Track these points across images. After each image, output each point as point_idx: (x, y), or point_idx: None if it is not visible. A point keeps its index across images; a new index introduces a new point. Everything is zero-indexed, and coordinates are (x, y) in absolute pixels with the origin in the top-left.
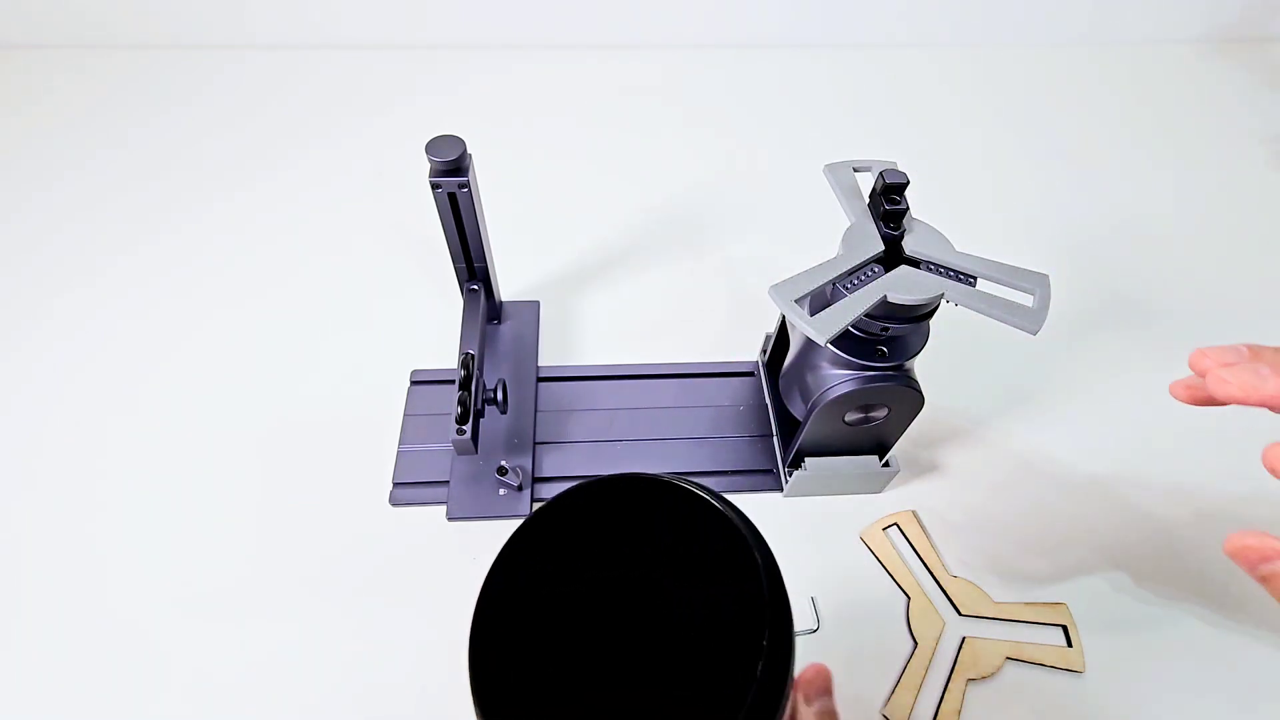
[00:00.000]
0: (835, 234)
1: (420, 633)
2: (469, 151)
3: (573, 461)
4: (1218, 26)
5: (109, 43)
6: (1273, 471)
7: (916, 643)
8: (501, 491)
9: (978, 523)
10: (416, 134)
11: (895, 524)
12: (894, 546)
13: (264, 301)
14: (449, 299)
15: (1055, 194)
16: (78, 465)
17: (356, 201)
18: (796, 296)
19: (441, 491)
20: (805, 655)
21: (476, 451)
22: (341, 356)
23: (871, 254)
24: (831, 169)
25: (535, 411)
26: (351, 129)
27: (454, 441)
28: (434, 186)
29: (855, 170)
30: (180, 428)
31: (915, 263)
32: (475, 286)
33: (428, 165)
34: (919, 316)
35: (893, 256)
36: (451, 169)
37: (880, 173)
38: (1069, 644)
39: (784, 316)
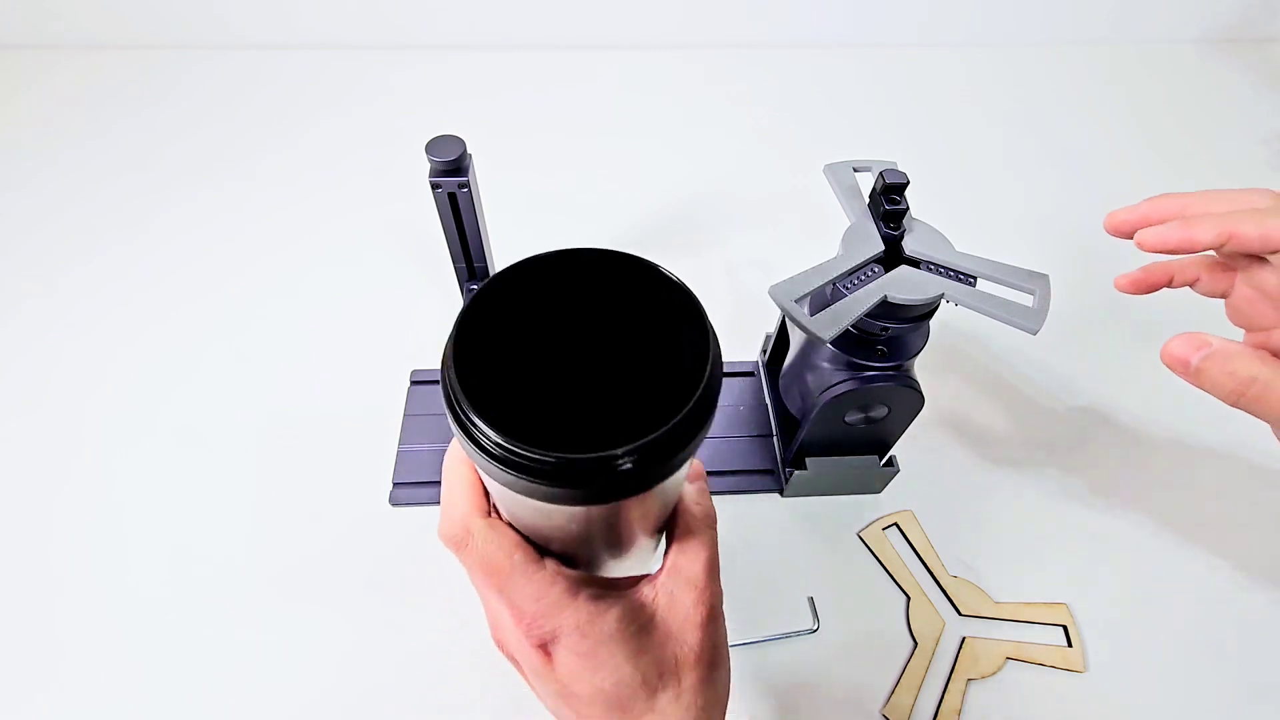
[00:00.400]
0: (835, 234)
1: (420, 632)
2: (469, 151)
3: None
4: (1218, 26)
5: (114, 43)
6: (1170, 366)
7: (916, 643)
8: None
9: (978, 523)
10: (417, 134)
11: (895, 524)
12: (894, 546)
13: (264, 301)
14: (449, 299)
15: (1054, 193)
16: (75, 466)
17: (356, 201)
18: (796, 296)
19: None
20: (804, 655)
21: None
22: (341, 356)
23: (871, 254)
24: (831, 169)
25: None
26: (352, 129)
27: None
28: (434, 186)
29: (855, 170)
30: (180, 428)
31: (915, 263)
32: (475, 286)
33: (428, 165)
34: (919, 316)
35: (893, 256)
36: (451, 169)
37: (880, 173)
38: (1069, 644)
39: (784, 316)
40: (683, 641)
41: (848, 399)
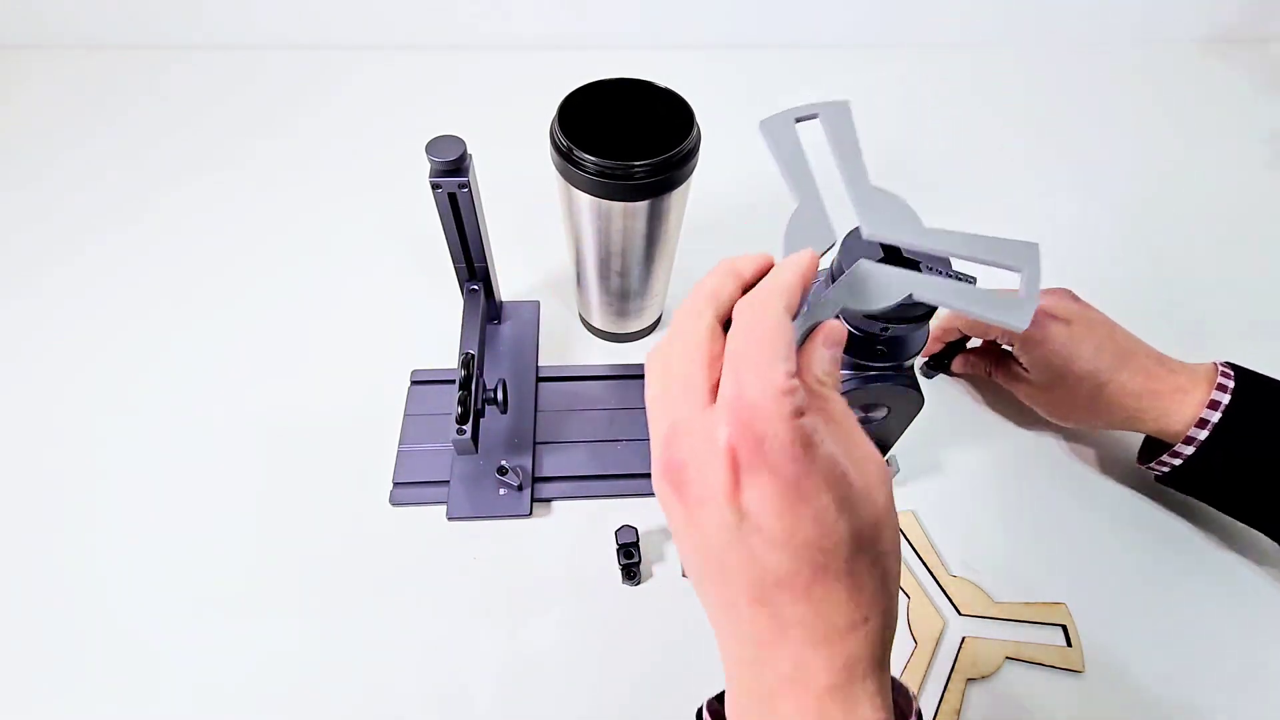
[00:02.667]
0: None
1: (421, 632)
2: (469, 152)
3: (573, 461)
4: (1218, 26)
5: (116, 43)
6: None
7: (916, 643)
8: (501, 491)
9: (977, 523)
10: (418, 134)
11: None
12: None
13: (264, 302)
14: (449, 299)
15: (1054, 193)
16: (78, 468)
17: (357, 201)
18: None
19: (441, 491)
20: None
21: (476, 451)
22: (341, 356)
23: (824, 248)
24: (767, 125)
25: (535, 411)
26: (353, 129)
27: (454, 441)
28: (434, 187)
29: (798, 121)
30: (180, 428)
31: (916, 265)
32: (475, 286)
33: (428, 165)
34: (918, 317)
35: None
36: (451, 169)
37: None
38: (1068, 643)
39: None
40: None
41: (847, 399)
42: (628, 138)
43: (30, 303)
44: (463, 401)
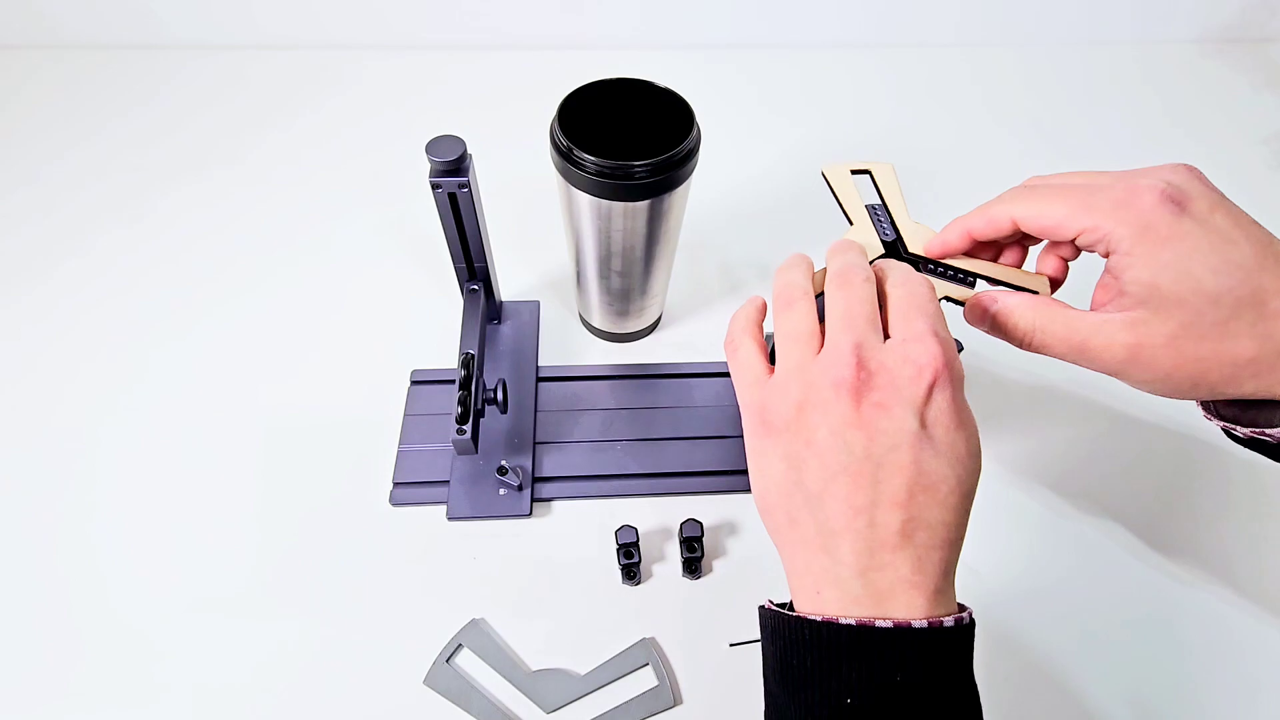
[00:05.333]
0: (834, 234)
1: (421, 632)
2: (469, 152)
3: (573, 461)
4: (1218, 26)
5: (115, 43)
6: (972, 324)
7: None
8: (501, 491)
9: (975, 516)
10: (417, 134)
11: (869, 171)
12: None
13: (264, 301)
14: (449, 299)
15: None
16: (76, 468)
17: (357, 201)
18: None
19: (441, 491)
20: None
21: (476, 451)
22: (341, 356)
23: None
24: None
25: (535, 411)
26: (353, 129)
27: (454, 441)
28: (434, 187)
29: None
30: (180, 428)
31: (915, 263)
32: (475, 286)
33: (428, 165)
34: None
35: (892, 255)
36: (451, 169)
37: None
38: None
39: None
40: None
41: None
42: (628, 138)
43: (29, 302)
44: (463, 401)
